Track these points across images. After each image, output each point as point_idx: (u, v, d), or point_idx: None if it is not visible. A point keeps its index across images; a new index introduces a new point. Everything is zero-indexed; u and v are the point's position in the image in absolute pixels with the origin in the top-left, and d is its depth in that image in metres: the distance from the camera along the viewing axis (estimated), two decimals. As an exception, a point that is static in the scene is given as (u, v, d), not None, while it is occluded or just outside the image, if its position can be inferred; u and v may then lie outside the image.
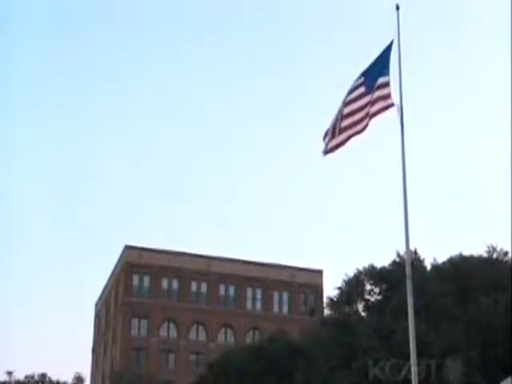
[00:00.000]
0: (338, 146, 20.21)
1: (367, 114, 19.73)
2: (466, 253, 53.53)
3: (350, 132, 19.97)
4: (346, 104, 20.12)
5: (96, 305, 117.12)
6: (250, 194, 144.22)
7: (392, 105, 19.86)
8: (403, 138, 20.01)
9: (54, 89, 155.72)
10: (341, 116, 20.06)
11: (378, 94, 19.79)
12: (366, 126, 19.83)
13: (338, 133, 20.04)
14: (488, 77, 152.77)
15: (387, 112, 19.95)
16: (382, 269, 54.20)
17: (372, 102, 19.80)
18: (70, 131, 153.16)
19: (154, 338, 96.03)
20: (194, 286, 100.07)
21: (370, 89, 19.85)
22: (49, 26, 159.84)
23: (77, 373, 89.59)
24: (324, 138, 20.51)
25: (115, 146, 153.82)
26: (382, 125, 20.50)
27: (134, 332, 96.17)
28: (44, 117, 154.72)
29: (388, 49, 20.06)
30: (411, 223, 19.62)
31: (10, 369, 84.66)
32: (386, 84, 19.86)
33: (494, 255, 52.07)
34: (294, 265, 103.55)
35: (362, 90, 20.04)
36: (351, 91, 20.21)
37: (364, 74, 20.16)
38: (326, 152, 20.41)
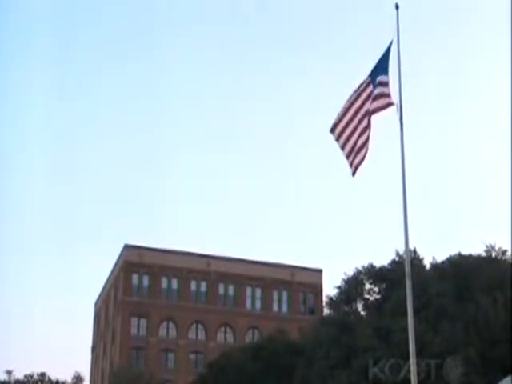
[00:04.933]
0: (361, 162, 20.11)
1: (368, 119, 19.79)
2: (465, 252, 53.68)
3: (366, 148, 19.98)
4: (352, 102, 20.04)
5: (95, 304, 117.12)
6: (250, 194, 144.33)
7: (391, 104, 19.88)
8: (402, 137, 20.02)
9: (49, 88, 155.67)
10: (361, 129, 19.93)
11: (378, 91, 19.83)
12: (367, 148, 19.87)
13: (359, 149, 19.94)
14: (488, 76, 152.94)
15: (387, 110, 19.97)
16: (382, 268, 54.27)
17: (372, 99, 19.83)
18: (70, 130, 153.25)
19: (153, 338, 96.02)
20: (193, 286, 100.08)
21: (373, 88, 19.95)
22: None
23: (76, 372, 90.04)
24: (348, 155, 20.15)
25: (115, 145, 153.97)
26: (382, 124, 20.51)
27: (133, 331, 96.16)
28: (44, 115, 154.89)
29: (388, 48, 20.10)
30: (410, 222, 19.64)
31: (10, 368, 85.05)
32: (386, 83, 19.91)
33: (493, 254, 52.13)
34: (294, 264, 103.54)
35: (369, 91, 20.08)
36: (360, 93, 20.13)
37: (370, 75, 20.20)
38: (354, 172, 20.21)
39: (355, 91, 20.22)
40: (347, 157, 20.13)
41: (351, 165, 20.06)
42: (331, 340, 50.54)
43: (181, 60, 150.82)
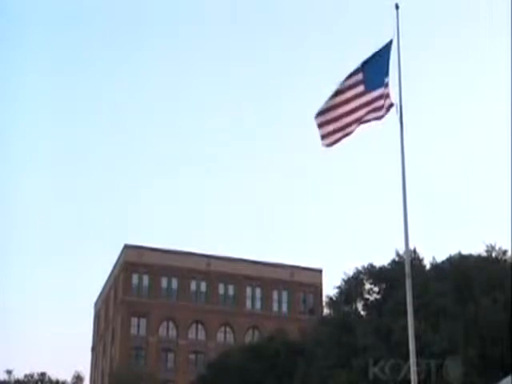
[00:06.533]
0: (339, 140, 19.96)
1: (359, 117, 19.70)
2: (465, 252, 53.61)
3: (347, 130, 19.84)
4: (340, 92, 19.83)
5: (95, 304, 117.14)
6: (250, 194, 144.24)
7: (392, 105, 19.79)
8: (402, 138, 19.98)
9: (50, 83, 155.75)
10: (342, 110, 19.77)
11: (374, 105, 19.67)
12: (353, 131, 19.76)
13: (342, 127, 19.78)
14: (487, 76, 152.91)
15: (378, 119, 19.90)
16: (382, 268, 54.26)
17: (368, 111, 19.73)
18: (70, 131, 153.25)
19: (153, 337, 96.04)
20: (193, 285, 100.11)
21: (369, 88, 19.74)
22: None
23: (76, 372, 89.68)
24: (323, 126, 19.95)
25: (116, 145, 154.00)
26: (382, 124, 20.47)
27: (133, 331, 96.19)
28: (44, 115, 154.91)
29: (388, 49, 19.88)
30: (410, 222, 19.61)
31: (10, 368, 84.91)
32: (381, 96, 19.70)
33: (493, 254, 52.10)
34: (294, 264, 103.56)
35: (361, 88, 19.86)
36: (349, 84, 19.89)
37: (363, 70, 19.89)
38: (330, 144, 20.02)
39: (345, 85, 19.94)
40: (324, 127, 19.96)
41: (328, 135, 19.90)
42: (331, 340, 50.56)
43: (180, 59, 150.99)
